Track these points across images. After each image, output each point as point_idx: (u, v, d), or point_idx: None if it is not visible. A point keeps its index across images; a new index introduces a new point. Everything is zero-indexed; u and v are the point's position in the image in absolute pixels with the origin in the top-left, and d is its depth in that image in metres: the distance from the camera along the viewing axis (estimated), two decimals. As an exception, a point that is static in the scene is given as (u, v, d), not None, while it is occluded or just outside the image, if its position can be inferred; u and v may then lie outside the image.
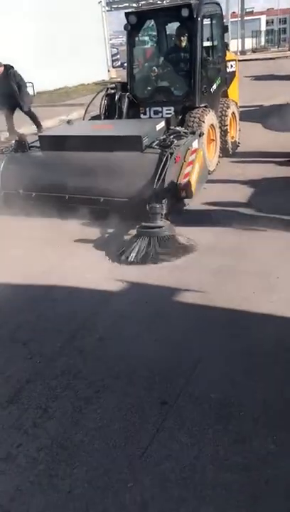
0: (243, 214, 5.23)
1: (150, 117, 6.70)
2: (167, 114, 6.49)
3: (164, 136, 5.36)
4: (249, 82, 15.86)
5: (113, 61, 32.07)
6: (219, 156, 7.08)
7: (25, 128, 10.59)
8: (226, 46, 7.75)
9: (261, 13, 49.05)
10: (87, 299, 3.80)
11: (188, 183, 5.17)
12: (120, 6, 38.78)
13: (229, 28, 8.08)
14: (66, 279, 4.14)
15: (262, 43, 41.87)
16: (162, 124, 5.73)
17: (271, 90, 14.09)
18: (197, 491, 2.13)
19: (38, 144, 5.94)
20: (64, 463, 2.34)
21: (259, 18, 46.31)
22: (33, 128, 10.56)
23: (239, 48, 36.22)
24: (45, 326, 3.49)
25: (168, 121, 5.83)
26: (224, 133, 7.14)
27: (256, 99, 12.31)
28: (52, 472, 2.29)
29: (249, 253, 4.28)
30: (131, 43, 6.97)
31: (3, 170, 5.72)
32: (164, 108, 6.62)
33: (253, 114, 10.42)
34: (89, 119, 7.18)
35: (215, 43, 7.15)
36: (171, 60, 7.04)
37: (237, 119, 7.82)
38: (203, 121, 6.17)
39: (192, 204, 5.44)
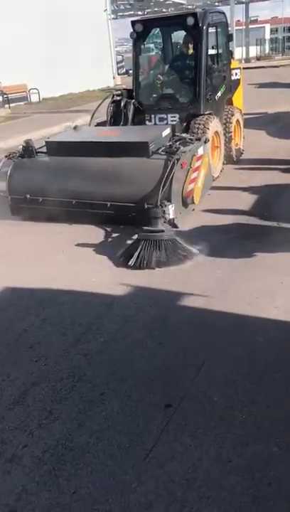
0: (247, 220, 5.26)
1: (155, 124, 6.76)
2: (172, 121, 6.56)
3: (170, 143, 5.41)
4: (253, 89, 15.94)
5: (118, 68, 32.26)
6: (224, 163, 7.13)
7: (32, 134, 10.67)
8: (231, 54, 7.82)
9: (266, 21, 49.21)
10: (91, 303, 3.84)
11: (194, 188, 5.23)
12: (125, 13, 39.11)
13: (234, 36, 8.18)
14: (71, 283, 4.18)
15: (267, 51, 42.03)
16: (168, 131, 5.79)
17: (276, 98, 14.17)
18: (200, 492, 2.16)
19: (44, 149, 6.01)
20: (69, 464, 2.37)
21: (264, 27, 46.48)
22: (40, 134, 10.64)
23: (244, 56, 36.41)
24: (51, 330, 3.53)
25: (173, 128, 5.89)
26: (228, 140, 7.19)
27: (260, 106, 12.38)
28: (57, 473, 2.32)
29: (252, 259, 4.31)
30: (136, 51, 7.05)
31: (10, 175, 5.79)
32: (169, 115, 6.68)
33: (257, 122, 10.48)
34: (95, 125, 7.26)
35: (220, 51, 7.22)
36: (176, 68, 7.12)
37: (242, 126, 7.88)
38: (208, 128, 6.22)
39: (197, 209, 5.49)
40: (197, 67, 6.51)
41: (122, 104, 6.82)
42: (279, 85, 17.51)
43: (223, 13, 7.36)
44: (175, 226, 4.80)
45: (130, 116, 6.79)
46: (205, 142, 5.69)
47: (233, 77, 7.75)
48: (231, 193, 6.24)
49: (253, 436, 2.43)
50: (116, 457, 2.38)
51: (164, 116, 6.72)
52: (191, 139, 5.59)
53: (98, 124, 7.26)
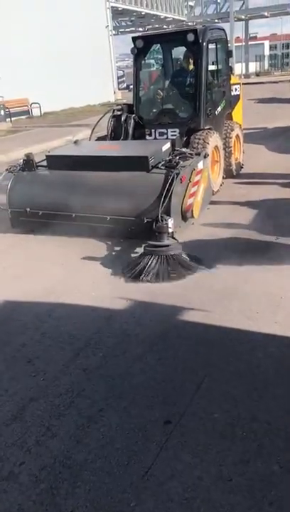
0: (246, 235, 5.26)
1: (155, 139, 6.81)
2: (172, 135, 6.60)
3: (170, 157, 5.43)
4: (253, 105, 16.09)
5: (119, 83, 32.64)
6: (223, 178, 7.16)
7: (33, 147, 10.73)
8: (230, 70, 7.90)
9: (265, 38, 49.98)
10: (91, 317, 3.82)
11: (193, 202, 5.23)
12: (126, 30, 39.73)
13: (234, 52, 8.28)
14: (71, 296, 4.16)
15: (266, 67, 42.55)
16: (168, 145, 5.82)
17: (275, 113, 14.30)
18: (200, 512, 2.12)
19: (45, 163, 6.03)
20: (66, 482, 2.33)
21: (263, 43, 47.20)
22: (41, 147, 10.71)
23: (244, 72, 36.87)
24: (49, 344, 3.50)
25: (173, 143, 5.92)
26: (228, 154, 7.24)
27: (260, 121, 12.49)
28: (54, 491, 2.28)
29: (252, 274, 4.30)
30: (137, 66, 7.12)
31: (10, 188, 5.80)
32: (169, 130, 6.72)
33: (257, 137, 10.56)
34: (96, 140, 7.30)
35: (220, 66, 7.29)
36: (177, 83, 7.19)
37: (241, 141, 7.93)
38: (208, 143, 6.26)
39: (197, 224, 5.50)
40: (198, 83, 6.57)
41: (123, 118, 6.87)
42: (278, 101, 17.70)
43: (223, 29, 7.45)
44: (175, 240, 4.79)
45: (130, 131, 6.83)
46: (205, 157, 5.71)
47: (233, 93, 7.82)
48: (230, 207, 6.25)
49: (254, 454, 2.39)
50: (114, 475, 2.34)
51: (164, 130, 6.76)
52: (191, 154, 5.62)
53: (98, 139, 7.30)
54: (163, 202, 4.82)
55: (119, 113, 7.00)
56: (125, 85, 35.32)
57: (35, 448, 2.55)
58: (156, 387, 2.94)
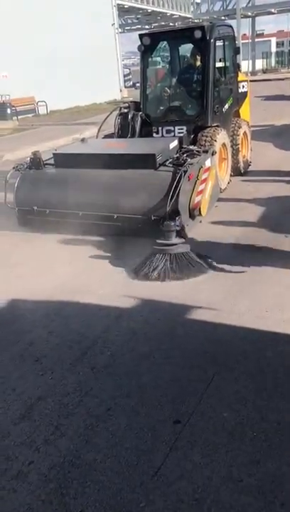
0: (255, 232, 5.22)
1: (162, 136, 6.77)
2: (179, 133, 6.56)
3: (177, 155, 5.40)
4: (260, 102, 16.00)
5: (125, 81, 32.57)
6: (231, 175, 7.12)
7: (40, 146, 10.72)
8: (238, 67, 7.85)
9: (272, 35, 49.62)
10: (99, 316, 3.81)
11: (201, 200, 5.20)
12: (133, 27, 39.65)
13: (241, 49, 8.18)
14: (78, 295, 4.15)
15: (273, 64, 42.28)
16: (175, 143, 5.78)
17: (282, 110, 14.21)
18: (210, 512, 2.10)
19: (52, 161, 6.02)
20: (76, 481, 2.31)
21: (270, 40, 46.85)
22: (47, 145, 10.71)
23: (250, 69, 36.68)
24: (57, 343, 3.49)
25: (180, 140, 5.88)
26: (235, 152, 7.19)
27: (267, 119, 12.41)
28: (63, 491, 2.27)
29: (261, 272, 4.27)
30: (144, 64, 7.09)
31: (17, 187, 5.79)
32: (176, 127, 6.69)
33: (264, 134, 10.49)
34: (103, 138, 7.28)
35: (227, 63, 7.24)
36: (184, 81, 7.15)
37: (249, 138, 7.87)
38: (215, 140, 6.22)
39: (204, 221, 5.47)
40: (205, 80, 6.53)
41: (130, 116, 6.84)
42: (286, 98, 17.58)
43: (231, 26, 7.41)
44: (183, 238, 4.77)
45: (137, 129, 6.80)
46: (213, 154, 5.68)
47: (240, 90, 7.76)
48: (238, 205, 6.21)
49: (264, 454, 2.37)
50: (123, 475, 2.33)
51: (171, 128, 6.73)
52: (198, 151, 5.58)
53: (105, 137, 7.28)
54: (171, 200, 4.79)
55: (126, 111, 6.97)
56: (131, 83, 35.25)
57: (43, 447, 2.54)
58: (165, 386, 2.92)
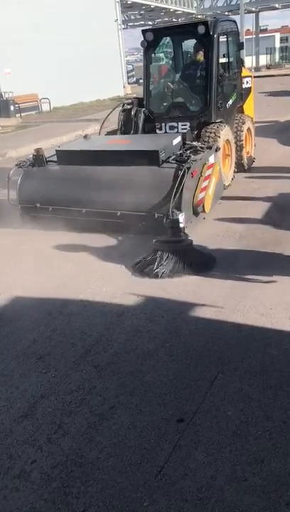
0: (259, 229, 5.19)
1: (165, 132, 6.73)
2: (182, 129, 6.52)
3: (181, 151, 5.37)
4: (264, 98, 15.91)
5: (128, 77, 32.47)
6: (235, 171, 7.07)
7: (43, 143, 10.70)
8: (241, 63, 7.79)
9: (276, 30, 49.26)
10: (102, 313, 3.79)
11: (205, 197, 5.17)
12: (136, 23, 39.48)
13: (244, 45, 8.12)
14: (81, 292, 4.13)
15: (277, 60, 42.03)
16: (178, 139, 5.75)
17: (286, 106, 14.12)
18: (214, 512, 2.08)
19: (55, 158, 6.00)
20: (78, 480, 2.30)
21: (274, 36, 46.48)
22: (50, 142, 10.69)
23: (254, 65, 36.48)
24: (60, 341, 3.48)
25: (183, 137, 5.85)
26: (239, 148, 7.14)
27: (271, 115, 12.34)
28: (66, 490, 2.26)
29: (265, 269, 4.23)
30: (147, 60, 7.04)
31: (20, 184, 5.78)
32: (180, 123, 6.64)
33: (268, 130, 10.42)
34: (105, 134, 7.25)
35: (231, 59, 7.17)
36: (187, 77, 7.09)
37: (253, 134, 7.82)
38: (219, 137, 6.17)
39: (208, 218, 5.44)
40: (208, 76, 6.48)
41: (133, 112, 6.81)
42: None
43: (234, 21, 7.34)
44: (185, 235, 4.73)
45: (140, 125, 6.76)
46: (216, 150, 5.64)
47: (244, 86, 7.70)
48: (242, 202, 6.17)
49: (269, 453, 2.34)
50: (127, 474, 2.31)
51: (175, 124, 6.68)
52: (202, 148, 5.55)
53: (108, 133, 7.25)
54: (174, 196, 4.76)
55: (129, 107, 6.94)
56: (135, 79, 35.13)
57: (46, 446, 2.53)
58: (168, 384, 2.90)
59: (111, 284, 4.26)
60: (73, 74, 21.57)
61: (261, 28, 43.89)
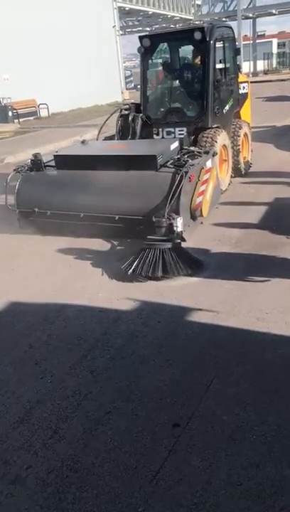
0: (256, 234, 5.20)
1: (163, 138, 6.76)
2: (179, 134, 6.55)
3: (178, 156, 5.40)
4: (261, 103, 15.98)
5: (126, 83, 32.58)
6: (232, 176, 7.10)
7: (41, 148, 10.73)
8: (238, 68, 7.83)
9: (273, 36, 49.54)
10: (98, 318, 3.79)
11: (202, 201, 5.19)
12: (134, 29, 39.65)
13: (242, 50, 8.17)
14: (78, 297, 4.14)
15: (274, 65, 42.23)
16: (176, 144, 5.78)
17: (284, 111, 14.18)
18: (209, 517, 2.07)
19: (53, 163, 6.01)
20: (74, 486, 2.30)
21: (271, 41, 46.75)
22: (48, 148, 10.72)
23: (252, 70, 36.66)
24: (57, 346, 3.48)
25: (181, 142, 5.88)
26: (236, 153, 7.17)
27: (268, 120, 12.39)
28: (61, 495, 2.25)
29: (261, 273, 4.24)
30: (144, 66, 7.08)
31: (18, 188, 5.79)
32: (177, 129, 6.67)
33: (265, 135, 10.47)
34: (103, 139, 7.27)
35: (228, 65, 7.22)
36: (184, 82, 7.14)
37: (250, 139, 7.85)
38: (216, 142, 6.20)
39: (206, 223, 5.45)
40: (205, 81, 6.51)
41: (130, 118, 6.84)
42: (287, 99, 17.54)
43: (230, 27, 7.38)
44: (182, 239, 4.74)
45: (138, 130, 6.79)
46: (213, 155, 5.67)
47: (241, 91, 7.75)
48: (239, 206, 6.19)
49: (264, 457, 2.34)
50: (122, 479, 2.31)
51: (172, 130, 6.71)
52: (199, 152, 5.58)
53: (106, 138, 7.28)
54: (171, 201, 4.78)
55: (126, 112, 6.97)
56: (133, 85, 35.25)
57: (42, 451, 2.53)
58: (164, 389, 2.90)
59: (108, 288, 4.27)
60: (71, 79, 21.64)
61: (259, 33, 44.12)
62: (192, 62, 7.14)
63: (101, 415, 2.73)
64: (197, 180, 5.20)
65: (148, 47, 6.83)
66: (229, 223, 5.54)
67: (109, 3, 27.08)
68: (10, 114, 18.95)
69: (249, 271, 4.32)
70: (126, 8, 30.40)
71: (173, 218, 4.62)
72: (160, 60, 9.41)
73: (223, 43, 6.96)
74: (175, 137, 6.52)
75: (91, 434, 2.61)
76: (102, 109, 20.96)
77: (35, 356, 3.37)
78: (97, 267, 4.74)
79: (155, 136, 6.85)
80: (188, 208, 5.11)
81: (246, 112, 8.09)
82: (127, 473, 2.34)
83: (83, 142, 6.70)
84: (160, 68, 7.70)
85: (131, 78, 36.75)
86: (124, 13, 31.40)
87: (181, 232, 4.72)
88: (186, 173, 4.99)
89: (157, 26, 38.15)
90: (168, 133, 6.75)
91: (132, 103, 7.48)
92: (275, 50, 45.55)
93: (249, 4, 37.67)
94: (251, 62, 38.48)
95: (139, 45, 6.86)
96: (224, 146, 6.63)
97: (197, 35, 6.31)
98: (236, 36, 8.07)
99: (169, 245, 4.37)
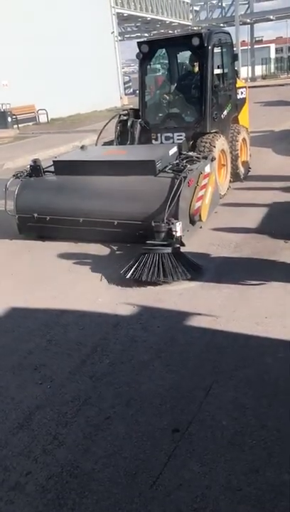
0: (254, 238, 5.21)
1: (161, 143, 6.79)
2: (178, 139, 6.58)
3: (177, 161, 5.42)
4: (259, 108, 16.03)
5: (125, 88, 32.70)
6: (231, 181, 7.12)
7: (40, 153, 10.77)
8: (236, 73, 7.87)
9: (271, 41, 49.82)
10: (98, 324, 3.79)
11: (201, 206, 5.21)
12: (132, 35, 39.85)
13: (240, 56, 8.26)
14: (77, 303, 4.14)
15: (272, 70, 42.40)
16: (174, 149, 5.80)
17: (282, 116, 14.23)
18: (209, 523, 2.07)
19: (52, 168, 6.03)
20: (74, 492, 2.29)
21: (269, 46, 47.02)
22: (48, 153, 10.74)
23: (250, 75, 36.80)
24: (56, 351, 3.48)
25: (179, 147, 5.90)
26: (235, 158, 7.19)
27: (266, 124, 12.43)
28: (61, 501, 2.25)
29: (260, 277, 4.24)
30: (143, 71, 7.12)
31: (18, 194, 5.81)
32: (175, 134, 6.70)
33: (264, 140, 10.50)
34: (102, 145, 7.30)
35: (226, 70, 7.26)
36: (182, 88, 7.17)
37: (248, 144, 7.88)
38: (214, 147, 6.23)
39: (205, 227, 5.46)
40: (203, 87, 6.54)
41: (129, 123, 6.87)
42: (285, 103, 17.61)
43: (228, 33, 7.43)
44: (182, 244, 4.75)
45: (137, 136, 6.82)
46: (212, 160, 5.69)
47: (239, 96, 7.79)
48: (238, 211, 6.20)
49: (263, 462, 2.34)
50: (122, 485, 2.31)
51: (170, 135, 6.74)
52: (198, 157, 5.59)
53: (105, 144, 7.31)
54: (170, 205, 4.79)
55: (125, 118, 7.00)
56: (131, 90, 35.39)
57: (42, 457, 2.52)
58: (164, 394, 2.90)
59: (107, 293, 4.27)
60: (70, 85, 21.75)
61: (257, 39, 44.35)
62: (190, 67, 7.17)
63: (100, 421, 2.73)
64: (195, 185, 5.22)
65: (147, 53, 6.88)
66: (228, 228, 5.55)
67: (107, 9, 27.26)
68: (9, 119, 19.02)
69: (248, 276, 4.32)
70: (125, 14, 30.59)
71: (172, 223, 4.63)
72: (158, 66, 9.47)
73: (221, 49, 7.00)
74: (173, 142, 6.55)
75: (91, 439, 2.60)
76: (101, 115, 21.03)
77: (34, 362, 3.37)
78: (96, 272, 4.75)
79: (153, 141, 6.88)
80: (186, 212, 5.12)
81: (244, 117, 8.12)
82: (127, 478, 2.33)
83: (82, 148, 6.73)
84: (159, 74, 7.75)
85: (130, 84, 36.90)
86: (122, 19, 31.59)
87: (180, 236, 4.73)
88: (185, 178, 5.01)
89: (155, 32, 38.36)
90: (167, 138, 6.78)
91: (131, 108, 7.52)
92: (273, 55, 45.81)
93: (247, 10, 37.87)
94: (249, 68, 38.62)
95: (138, 50, 6.91)
96: (223, 151, 6.66)
97: (195, 41, 6.35)
98: (234, 42, 8.12)
99: (168, 250, 4.37)
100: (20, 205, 5.78)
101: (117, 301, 4.10)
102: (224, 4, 38.03)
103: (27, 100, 20.10)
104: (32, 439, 2.65)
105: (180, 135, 6.61)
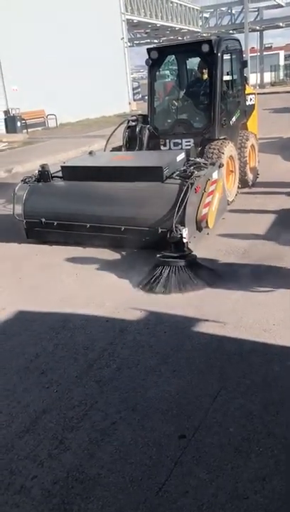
0: (262, 245, 5.20)
1: (170, 149, 6.80)
2: (186, 145, 6.59)
3: (184, 167, 5.42)
4: (268, 114, 16.04)
5: (134, 94, 32.86)
6: (239, 187, 7.12)
7: (49, 158, 10.81)
8: (245, 80, 7.89)
9: (280, 48, 49.96)
10: (105, 328, 3.79)
11: (208, 212, 5.20)
12: (142, 41, 40.09)
13: (249, 62, 8.25)
14: (85, 307, 4.14)
15: (281, 77, 42.46)
16: (182, 156, 5.81)
17: (290, 122, 14.21)
18: (215, 531, 2.06)
19: (60, 174, 6.06)
20: (79, 497, 2.28)
21: (278, 53, 47.12)
22: (56, 158, 10.79)
23: (259, 82, 36.87)
24: (63, 355, 3.48)
25: (187, 153, 5.91)
26: (243, 164, 7.19)
27: (275, 131, 12.42)
28: (66, 506, 2.24)
29: (268, 284, 4.23)
30: (152, 77, 7.15)
31: (26, 199, 5.84)
32: (184, 140, 6.72)
33: (272, 146, 10.48)
34: (111, 150, 7.32)
35: (235, 77, 7.29)
36: (191, 94, 7.20)
37: (256, 150, 7.88)
38: (223, 153, 6.23)
39: (212, 234, 5.46)
40: (212, 93, 6.56)
41: (137, 129, 6.89)
42: (294, 110, 17.60)
43: (238, 40, 7.46)
44: (188, 250, 4.74)
45: (145, 141, 6.84)
46: (220, 167, 5.69)
47: (248, 103, 7.80)
48: (246, 217, 6.19)
49: (270, 470, 2.32)
50: (127, 490, 2.30)
51: (179, 141, 6.76)
52: (205, 164, 5.59)
53: (113, 149, 7.33)
54: (178, 212, 4.79)
55: (133, 124, 7.03)
56: (140, 96, 35.55)
57: (47, 461, 2.52)
58: (171, 400, 2.89)
59: (114, 298, 4.27)
60: (79, 90, 21.88)
61: (266, 45, 44.51)
62: (199, 74, 7.20)
63: (107, 426, 2.72)
64: (203, 191, 5.22)
65: (156, 59, 6.91)
66: (235, 234, 5.54)
67: (117, 15, 27.46)
68: (18, 124, 19.15)
69: (255, 282, 4.31)
70: (135, 21, 30.81)
71: (179, 229, 4.64)
72: (167, 72, 9.50)
73: (230, 55, 7.03)
74: (182, 148, 6.56)
75: (96, 444, 2.60)
76: (110, 120, 21.12)
77: (41, 366, 3.37)
78: (103, 277, 4.75)
79: (162, 147, 6.90)
80: (193, 218, 5.12)
81: (253, 123, 8.13)
82: (133, 484, 2.32)
83: (90, 153, 6.75)
84: (168, 80, 7.78)
85: (139, 89, 37.07)
86: (132, 25, 31.81)
87: (187, 243, 4.73)
88: (192, 184, 5.01)
89: (165, 38, 38.56)
90: (175, 144, 6.80)
91: (139, 114, 7.55)
92: (282, 62, 45.87)
93: (257, 17, 38.06)
94: (259, 74, 38.74)
95: (147, 57, 6.95)
96: (231, 157, 6.66)
97: (205, 48, 6.38)
98: (243, 48, 8.14)
99: (185, 263, 4.38)
100: (28, 210, 5.81)
101: (124, 305, 4.10)
102: (233, 11, 38.20)
103: (36, 105, 20.25)
104: (38, 443, 2.65)
105: (189, 141, 6.63)
